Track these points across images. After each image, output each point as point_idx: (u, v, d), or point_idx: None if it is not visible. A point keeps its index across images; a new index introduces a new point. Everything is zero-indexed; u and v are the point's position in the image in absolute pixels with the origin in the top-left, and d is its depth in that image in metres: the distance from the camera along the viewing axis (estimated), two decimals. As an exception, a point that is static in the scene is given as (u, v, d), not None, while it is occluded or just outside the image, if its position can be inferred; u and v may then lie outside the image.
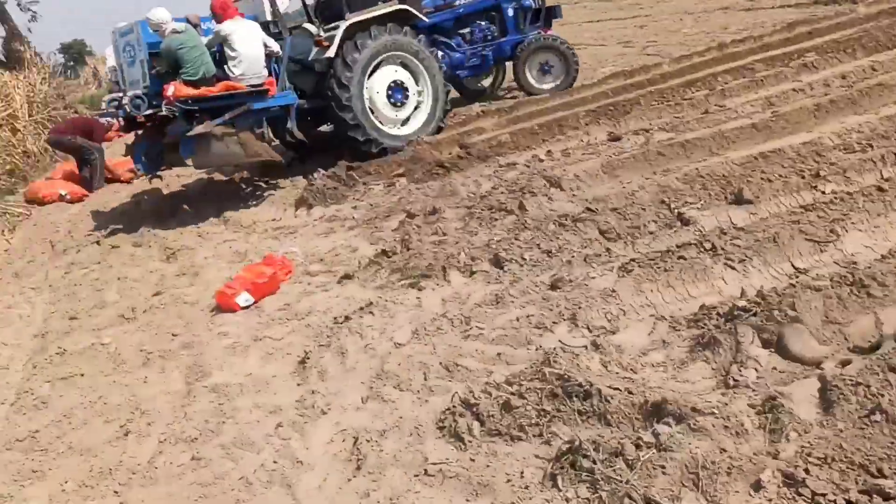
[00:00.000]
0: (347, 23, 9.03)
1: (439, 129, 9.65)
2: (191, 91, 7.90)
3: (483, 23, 11.11)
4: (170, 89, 7.83)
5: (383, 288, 5.52)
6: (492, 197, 6.21)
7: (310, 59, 9.22)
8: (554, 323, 4.31)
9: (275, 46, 8.67)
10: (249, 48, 8.33)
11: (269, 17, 9.16)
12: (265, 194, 9.20)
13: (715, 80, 8.74)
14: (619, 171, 6.59)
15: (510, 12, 11.19)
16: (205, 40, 8.36)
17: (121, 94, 8.61)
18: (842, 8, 11.78)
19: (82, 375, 5.28)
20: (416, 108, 9.61)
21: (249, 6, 9.46)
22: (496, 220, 5.91)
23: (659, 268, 4.47)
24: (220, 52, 8.44)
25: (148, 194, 10.67)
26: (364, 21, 9.12)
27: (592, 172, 6.57)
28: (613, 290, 4.35)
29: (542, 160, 7.51)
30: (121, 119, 8.87)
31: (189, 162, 8.68)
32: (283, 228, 7.78)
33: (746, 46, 10.20)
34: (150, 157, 8.98)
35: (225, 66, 8.34)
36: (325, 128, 10.54)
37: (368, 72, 9.10)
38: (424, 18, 9.86)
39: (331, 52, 8.88)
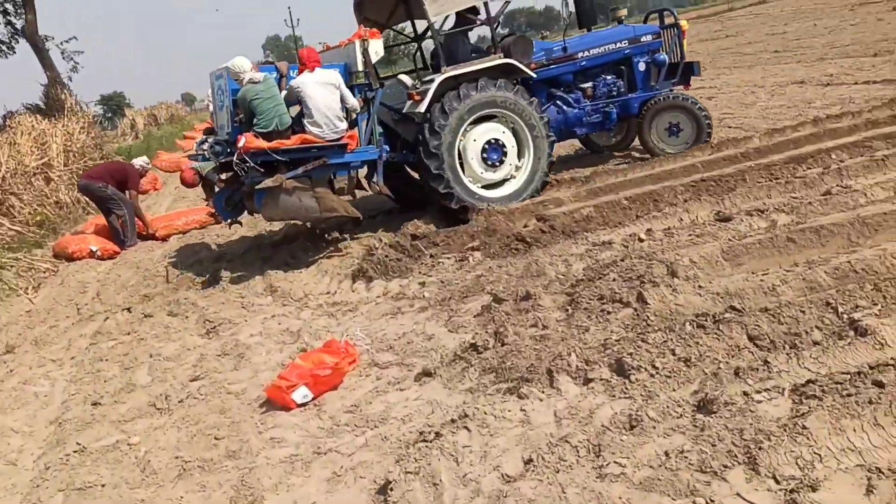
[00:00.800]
0: (442, 77, 8.40)
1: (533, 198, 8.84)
2: (261, 143, 7.56)
3: (609, 77, 10.02)
4: (241, 140, 7.55)
5: (474, 392, 4.52)
6: (601, 283, 5.21)
7: (404, 111, 8.71)
8: (724, 467, 3.27)
9: (351, 101, 8.12)
10: (322, 103, 7.87)
11: (360, 67, 8.50)
12: (317, 261, 8.29)
13: (828, 158, 7.78)
14: (743, 259, 5.59)
15: (641, 67, 10.11)
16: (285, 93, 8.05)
17: (205, 138, 8.48)
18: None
19: (103, 486, 4.31)
20: (506, 179, 8.82)
21: (342, 54, 8.87)
22: (609, 312, 4.91)
23: (855, 397, 3.43)
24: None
25: (186, 255, 9.83)
26: (461, 76, 8.52)
27: (711, 259, 5.57)
28: (804, 427, 3.31)
29: (642, 240, 6.55)
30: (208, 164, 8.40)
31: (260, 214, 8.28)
32: (340, 304, 6.84)
33: (848, 122, 9.25)
34: (231, 203, 8.60)
35: (303, 119, 7.95)
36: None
37: (468, 122, 8.47)
38: (532, 74, 9.01)
39: (421, 108, 8.33)
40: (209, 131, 9.06)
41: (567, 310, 5.20)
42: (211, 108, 9.45)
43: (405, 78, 9.35)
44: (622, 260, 5.63)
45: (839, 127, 9.07)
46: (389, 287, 7.00)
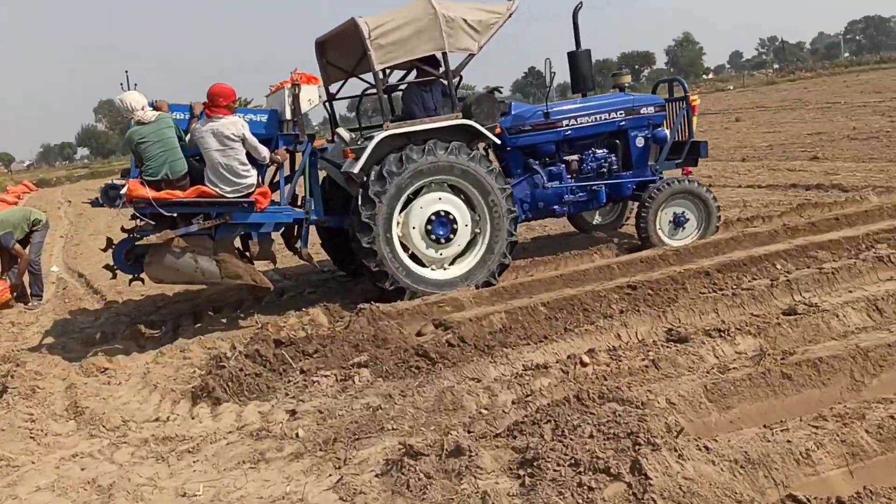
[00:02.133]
0: (383, 134, 7.16)
1: (488, 284, 7.47)
2: (145, 192, 6.58)
3: (599, 151, 8.52)
4: (123, 188, 6.68)
5: None
6: (572, 442, 3.66)
7: (342, 169, 7.65)
8: None
9: (261, 152, 7.07)
10: (215, 157, 6.85)
11: (287, 116, 7.20)
12: (145, 369, 6.30)
13: (772, 268, 6.78)
14: (731, 401, 4.27)
15: (639, 143, 8.62)
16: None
17: (112, 182, 7.20)
18: (843, 195, 10.34)
19: None
20: (462, 253, 7.59)
21: (275, 99, 7.62)
22: (591, 489, 3.36)
23: None
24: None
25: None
26: (406, 135, 7.30)
27: (693, 399, 4.22)
28: None
29: (584, 364, 5.12)
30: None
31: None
32: (174, 440, 4.91)
33: (766, 228, 8.47)
34: (133, 255, 7.25)
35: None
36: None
37: (410, 191, 7.28)
38: (493, 139, 7.63)
39: (356, 168, 7.16)
40: (126, 173, 7.52)
41: (521, 477, 3.60)
42: None
43: (343, 132, 8.09)
44: (586, 402, 4.12)
45: (758, 232, 8.24)
46: (246, 415, 5.16)
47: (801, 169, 13.60)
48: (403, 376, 5.39)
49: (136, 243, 6.80)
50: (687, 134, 8.94)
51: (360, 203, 7.10)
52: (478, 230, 7.55)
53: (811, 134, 19.21)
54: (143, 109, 6.87)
